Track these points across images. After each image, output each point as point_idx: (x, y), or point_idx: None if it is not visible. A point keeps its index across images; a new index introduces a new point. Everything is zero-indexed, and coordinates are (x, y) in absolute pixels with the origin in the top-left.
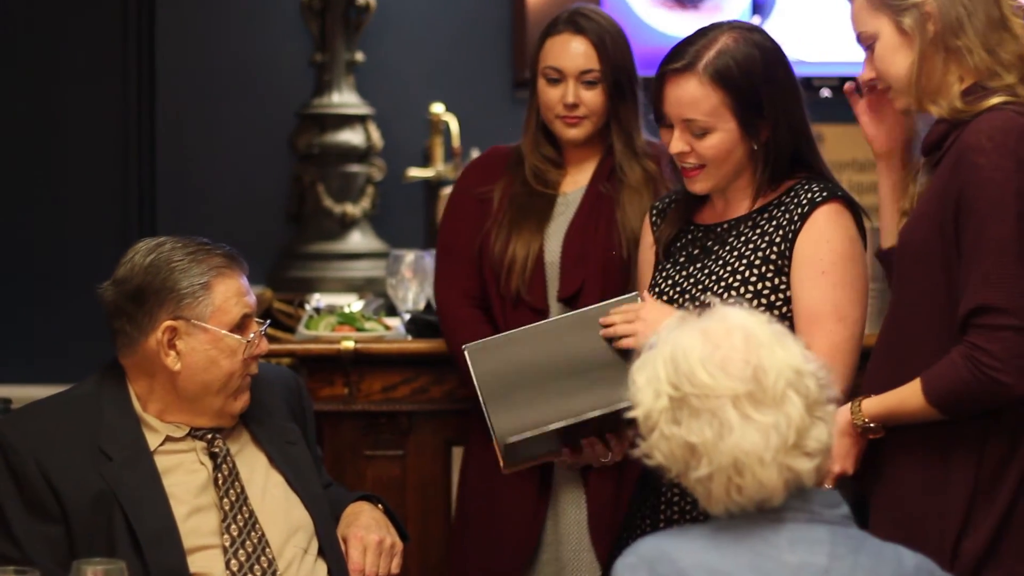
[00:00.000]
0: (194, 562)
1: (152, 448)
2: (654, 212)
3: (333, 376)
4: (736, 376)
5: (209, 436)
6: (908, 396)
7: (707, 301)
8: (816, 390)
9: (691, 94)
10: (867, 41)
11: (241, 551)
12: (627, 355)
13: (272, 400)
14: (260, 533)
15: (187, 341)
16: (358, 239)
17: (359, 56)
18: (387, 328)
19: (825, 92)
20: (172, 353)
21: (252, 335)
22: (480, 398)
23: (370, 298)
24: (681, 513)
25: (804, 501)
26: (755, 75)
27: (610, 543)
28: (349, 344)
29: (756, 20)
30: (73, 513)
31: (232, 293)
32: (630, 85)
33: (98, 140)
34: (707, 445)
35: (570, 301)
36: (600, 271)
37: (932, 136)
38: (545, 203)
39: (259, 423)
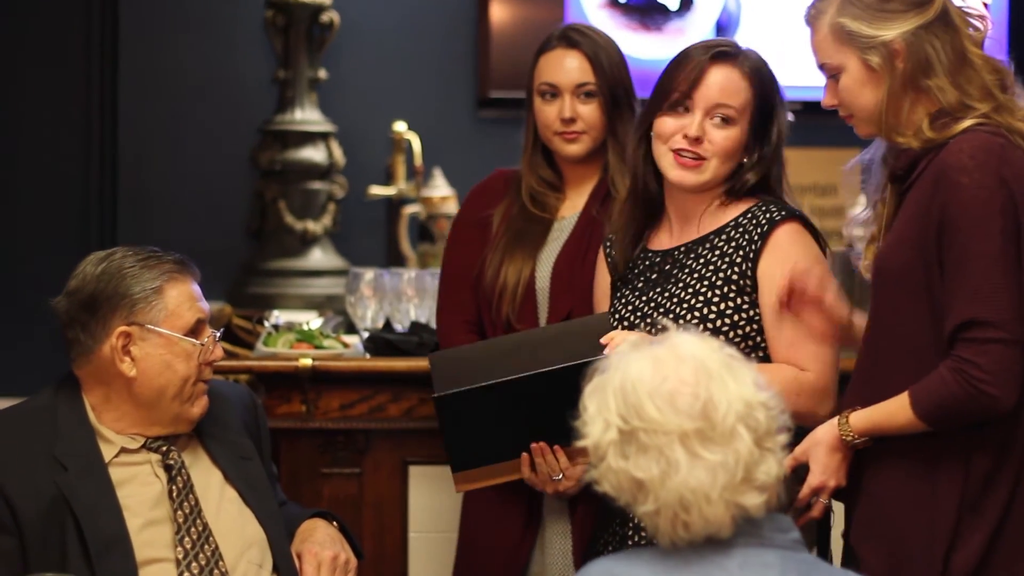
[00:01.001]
0: (147, 574)
1: (107, 459)
2: (607, 245)
3: (291, 393)
4: (685, 412)
5: (164, 448)
6: (896, 410)
7: (662, 325)
8: (766, 422)
9: (735, 82)
10: (831, 71)
11: (194, 563)
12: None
13: (227, 416)
14: (214, 546)
15: (141, 347)
16: (319, 256)
17: (322, 73)
18: (346, 346)
19: (788, 115)
20: (127, 359)
21: (206, 339)
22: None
23: (329, 316)
24: (635, 530)
25: (754, 525)
26: (774, 88)
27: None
28: (307, 361)
29: None
30: (27, 525)
31: (185, 298)
32: (627, 99)
33: (59, 154)
34: (654, 482)
35: None
36: (588, 296)
37: (902, 163)
38: (541, 228)
39: (214, 438)
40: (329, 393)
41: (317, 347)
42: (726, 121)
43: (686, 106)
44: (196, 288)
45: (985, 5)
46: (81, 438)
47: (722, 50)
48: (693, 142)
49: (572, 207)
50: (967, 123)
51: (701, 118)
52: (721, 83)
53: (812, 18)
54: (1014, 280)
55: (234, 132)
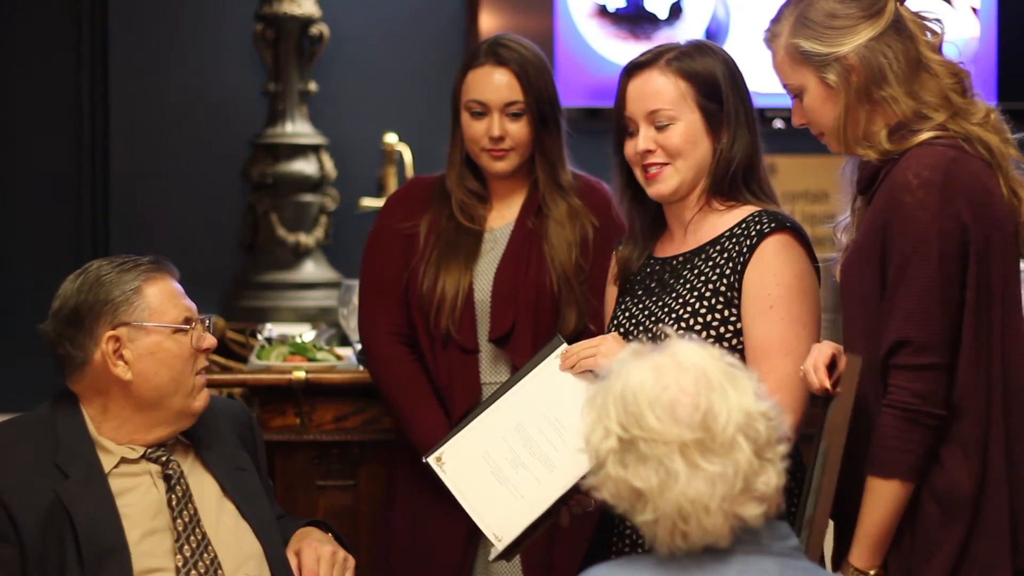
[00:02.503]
0: None
1: (107, 470)
2: (619, 248)
3: (285, 406)
4: (685, 422)
5: (164, 459)
6: (870, 505)
7: (661, 333)
8: (766, 432)
9: (654, 84)
10: (794, 91)
11: (193, 571)
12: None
13: (223, 429)
14: (213, 555)
15: (132, 348)
16: (311, 269)
17: (312, 86)
18: (339, 358)
19: (778, 123)
20: (120, 363)
21: (195, 324)
22: (464, 506)
23: (322, 328)
24: (632, 546)
25: (752, 534)
26: (716, 73)
27: (543, 553)
28: (301, 374)
29: None
30: (26, 534)
31: (166, 295)
32: (553, 115)
33: (51, 170)
34: (652, 492)
35: (501, 341)
36: (531, 309)
37: (864, 174)
38: (472, 240)
39: (210, 451)
40: (323, 405)
41: (310, 360)
42: (669, 122)
43: (631, 129)
44: (177, 285)
45: (974, 11)
46: (81, 448)
47: (635, 62)
48: (647, 155)
49: (501, 217)
50: (924, 136)
51: (645, 131)
52: (641, 91)
53: (769, 41)
54: (949, 303)
55: (225, 145)
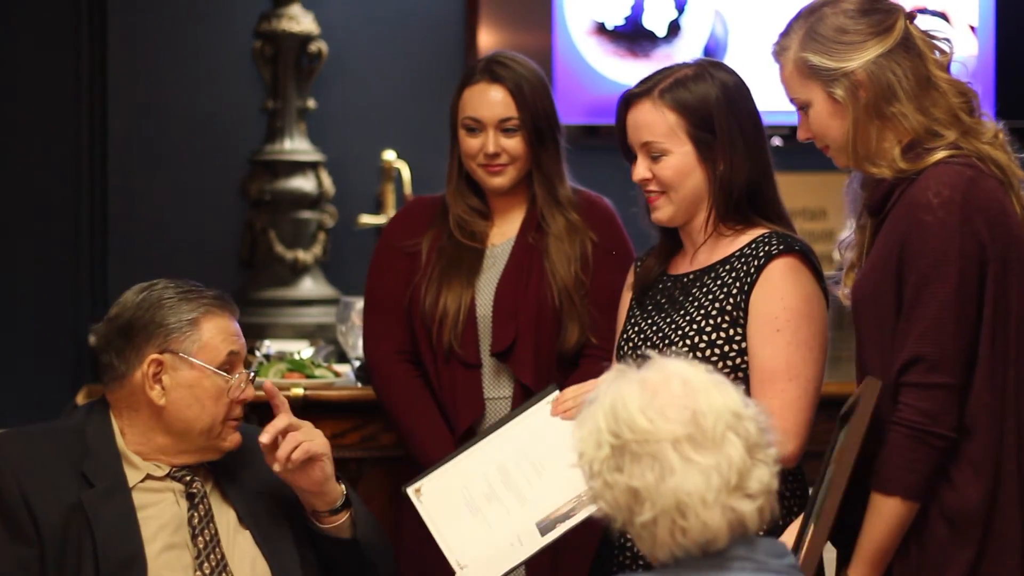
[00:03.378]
0: None
1: (131, 484)
2: (638, 261)
3: None
4: (675, 420)
5: (188, 478)
6: (871, 521)
7: (646, 354)
8: (756, 433)
9: (645, 117)
10: (800, 105)
11: None
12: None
13: (243, 455)
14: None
15: (172, 376)
16: (309, 285)
17: (311, 103)
18: (337, 375)
19: (776, 141)
20: (157, 387)
21: (237, 375)
22: (434, 535)
23: (320, 345)
24: (634, 558)
25: (750, 550)
26: (710, 102)
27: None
28: (299, 391)
29: None
30: (47, 537)
31: (221, 332)
32: (551, 132)
33: (49, 185)
34: (649, 489)
35: (503, 355)
36: (532, 324)
37: (877, 195)
38: (474, 256)
39: (231, 477)
40: (321, 422)
41: (308, 376)
42: (661, 154)
43: (631, 157)
44: (234, 324)
45: (972, 28)
46: (108, 459)
47: (630, 92)
48: (645, 183)
49: (502, 234)
50: (939, 155)
51: (641, 160)
52: (635, 123)
53: (777, 54)
54: (965, 323)
55: (224, 162)
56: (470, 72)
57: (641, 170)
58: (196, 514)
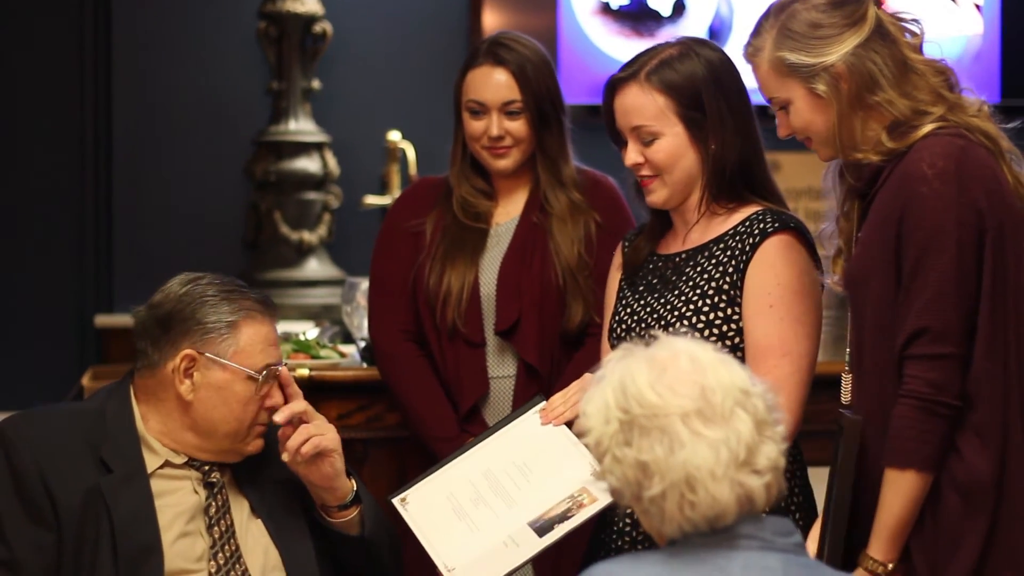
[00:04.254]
0: None
1: (149, 470)
2: (626, 241)
3: None
4: (684, 394)
5: (207, 468)
6: (888, 497)
7: (653, 334)
8: (764, 410)
9: (634, 101)
10: (779, 104)
11: None
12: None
13: (264, 448)
14: (244, 567)
15: (203, 374)
16: (314, 266)
17: (316, 84)
18: (342, 356)
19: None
20: (187, 382)
21: (269, 383)
22: (421, 542)
23: (326, 326)
24: (632, 543)
25: (757, 528)
26: (697, 80)
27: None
28: (304, 372)
29: None
30: (66, 522)
31: (259, 339)
32: (555, 113)
33: (54, 167)
34: (659, 462)
35: (507, 334)
36: (536, 303)
37: (864, 177)
38: (478, 235)
39: (247, 468)
40: (326, 403)
41: (314, 357)
42: (652, 137)
43: (620, 142)
44: (273, 332)
45: (977, 7)
46: (128, 444)
47: (616, 77)
48: (637, 168)
49: (506, 213)
50: (928, 127)
51: (632, 145)
52: (623, 107)
53: (751, 56)
54: (967, 292)
55: (228, 144)
56: (473, 54)
57: (633, 155)
58: (214, 504)
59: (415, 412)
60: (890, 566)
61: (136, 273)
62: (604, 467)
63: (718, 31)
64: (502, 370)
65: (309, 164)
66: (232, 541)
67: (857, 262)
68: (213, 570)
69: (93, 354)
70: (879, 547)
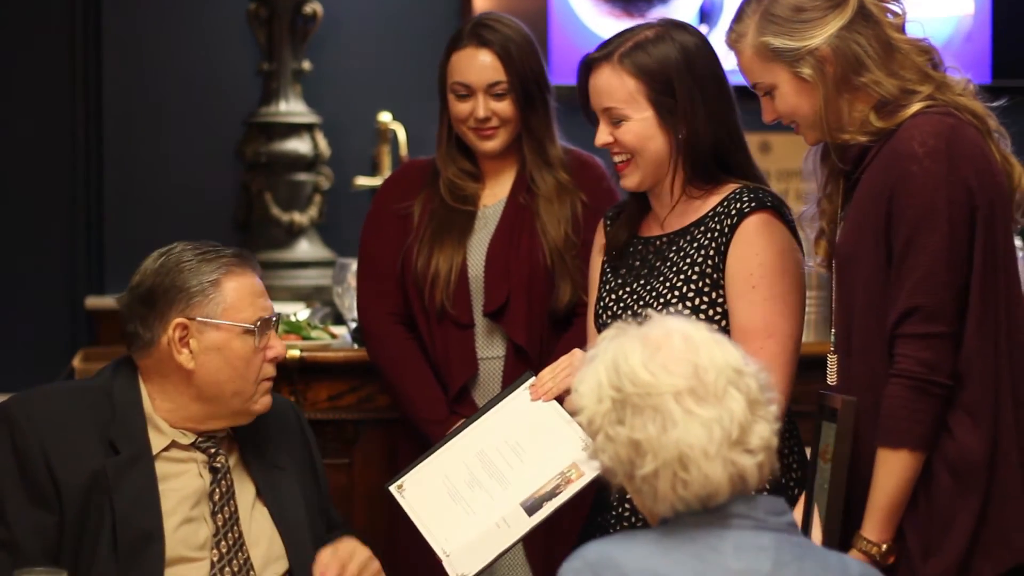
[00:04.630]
0: (176, 573)
1: (156, 451)
2: (607, 220)
3: (279, 385)
4: (677, 373)
5: (212, 450)
6: (881, 477)
7: (645, 313)
8: (757, 390)
9: (605, 82)
10: (764, 90)
11: (227, 569)
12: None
13: (269, 426)
14: (246, 555)
15: (199, 340)
16: (305, 248)
17: (306, 65)
18: (333, 337)
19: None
20: (185, 351)
21: (266, 334)
22: (418, 527)
23: (317, 307)
24: (631, 528)
25: (750, 508)
26: (670, 65)
27: (545, 559)
28: (295, 353)
29: (704, 29)
30: (68, 504)
31: (245, 292)
32: (540, 93)
33: (44, 149)
34: (651, 441)
35: (495, 315)
36: (524, 284)
37: (850, 156)
38: (465, 217)
39: (254, 449)
40: (317, 384)
41: (305, 338)
42: (621, 119)
43: (594, 120)
44: (258, 282)
45: None
46: (134, 424)
47: (589, 57)
48: (608, 148)
49: (494, 195)
50: (916, 106)
51: (603, 125)
52: (595, 88)
53: (734, 42)
54: (958, 271)
55: (219, 125)
56: (457, 36)
57: (603, 135)
58: (218, 489)
59: (405, 395)
60: (884, 547)
61: (127, 255)
62: (597, 445)
63: (709, 12)
64: (491, 351)
65: (300, 145)
66: (236, 528)
67: (845, 241)
68: (215, 558)
69: (84, 336)
70: (873, 527)
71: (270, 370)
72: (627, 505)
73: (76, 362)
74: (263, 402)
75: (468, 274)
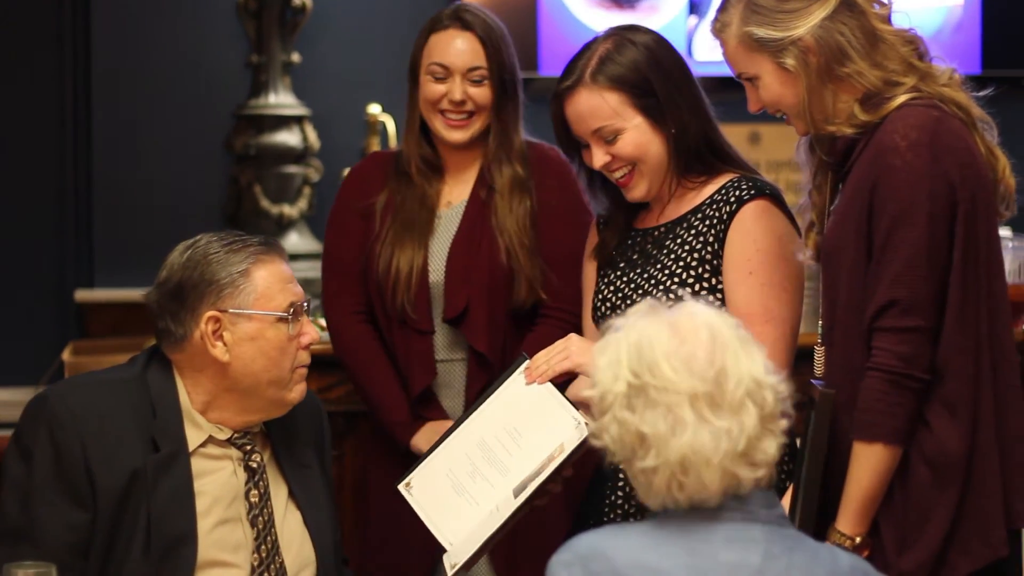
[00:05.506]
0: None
1: (192, 447)
2: (600, 221)
3: None
4: (699, 375)
5: (248, 448)
6: (856, 471)
7: (680, 294)
8: (772, 404)
9: (587, 105)
10: (748, 79)
11: (266, 574)
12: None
13: (297, 422)
14: (281, 560)
15: (233, 331)
16: (295, 240)
17: (295, 57)
18: (323, 329)
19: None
20: (219, 344)
21: (299, 321)
22: (427, 524)
23: (307, 299)
24: (624, 516)
25: (741, 501)
26: (641, 66)
27: (507, 546)
28: None
29: (693, 20)
30: (104, 506)
31: (275, 279)
32: (514, 87)
33: (34, 141)
34: (659, 438)
35: (456, 321)
36: (485, 289)
37: (837, 150)
38: (427, 216)
39: (285, 446)
40: (307, 376)
41: None
42: (613, 136)
43: (574, 149)
44: (286, 268)
45: None
46: (172, 418)
47: (561, 87)
48: (608, 167)
49: (456, 193)
50: (901, 98)
51: (596, 148)
52: (578, 114)
53: (718, 31)
54: (937, 265)
55: (208, 117)
56: (437, 19)
57: (599, 156)
58: (256, 491)
59: (371, 397)
60: (858, 540)
61: (116, 247)
62: (602, 424)
63: (697, 4)
64: (452, 355)
65: (289, 137)
66: (273, 530)
67: (831, 234)
68: (256, 563)
69: (74, 329)
70: (847, 521)
71: (305, 357)
72: (620, 493)
73: (66, 355)
74: (298, 390)
75: (429, 279)
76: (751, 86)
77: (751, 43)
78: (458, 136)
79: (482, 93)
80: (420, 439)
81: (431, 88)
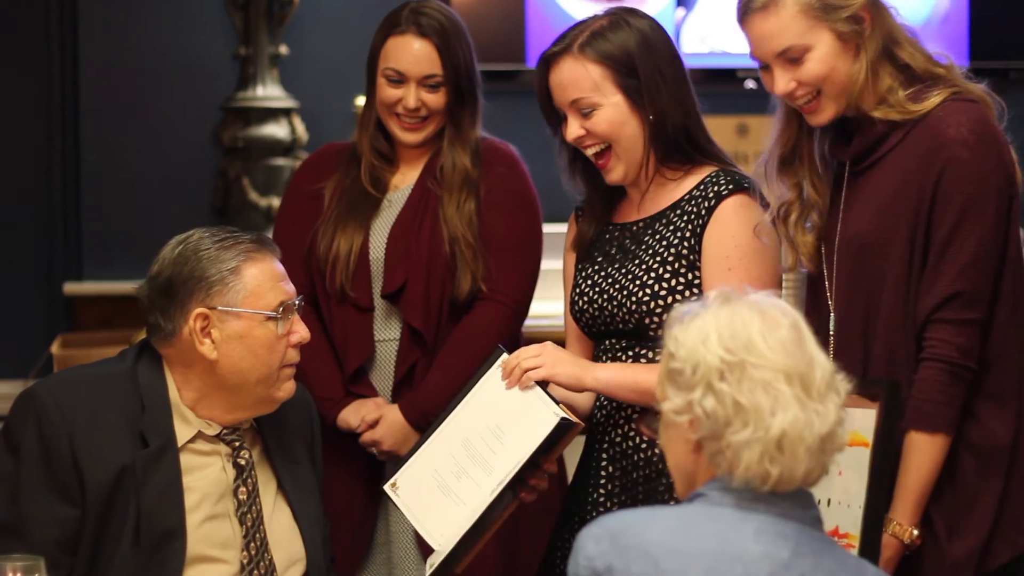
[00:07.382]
0: (197, 572)
1: (181, 442)
2: (578, 213)
3: None
4: (794, 356)
5: (237, 443)
6: (915, 461)
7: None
8: (843, 395)
9: (569, 74)
10: (796, 54)
11: (255, 571)
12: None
13: (286, 417)
14: (270, 558)
15: (221, 329)
16: None
17: (283, 49)
18: None
19: (750, 83)
20: (207, 341)
21: (289, 319)
22: (414, 525)
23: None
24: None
25: (779, 496)
26: (630, 48)
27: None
28: None
29: (681, 12)
30: (92, 502)
31: (266, 277)
32: (471, 89)
33: (20, 133)
34: (760, 411)
35: (393, 297)
36: (423, 268)
37: (867, 139)
38: (372, 200)
39: (274, 441)
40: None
41: None
42: (591, 109)
43: (556, 120)
44: (278, 266)
45: None
46: (161, 413)
47: (548, 52)
48: (580, 141)
49: (404, 180)
50: (941, 95)
51: (572, 119)
52: (559, 82)
53: (763, 6)
54: (998, 259)
55: (196, 110)
56: (395, 20)
57: (574, 128)
58: (244, 488)
59: (304, 372)
60: (915, 531)
61: (105, 240)
62: (694, 396)
63: None
64: (388, 333)
65: (277, 130)
66: (262, 528)
67: (867, 232)
68: (245, 560)
69: (62, 322)
70: (906, 511)
71: (293, 355)
72: (602, 491)
73: (54, 348)
74: (286, 388)
75: (369, 257)
76: (785, 64)
77: (812, 10)
78: (412, 138)
79: (437, 99)
80: (347, 413)
81: (387, 92)
